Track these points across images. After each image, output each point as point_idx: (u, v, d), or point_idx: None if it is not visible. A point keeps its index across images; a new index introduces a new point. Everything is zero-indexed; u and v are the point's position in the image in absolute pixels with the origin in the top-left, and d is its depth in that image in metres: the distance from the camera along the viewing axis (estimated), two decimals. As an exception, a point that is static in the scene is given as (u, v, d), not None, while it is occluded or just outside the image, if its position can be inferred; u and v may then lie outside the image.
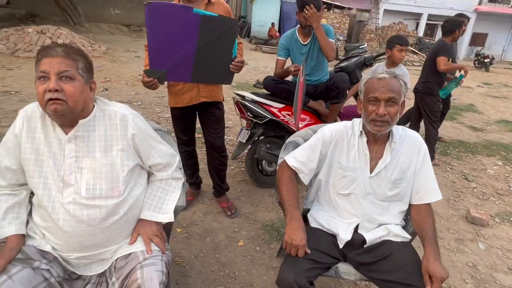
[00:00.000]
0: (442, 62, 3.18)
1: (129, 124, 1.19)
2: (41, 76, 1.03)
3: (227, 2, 16.28)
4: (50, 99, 1.01)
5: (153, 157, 1.28)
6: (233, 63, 1.80)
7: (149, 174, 1.36)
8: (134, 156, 1.23)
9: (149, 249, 1.16)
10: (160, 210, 1.28)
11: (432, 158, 3.79)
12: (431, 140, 3.45)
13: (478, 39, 21.90)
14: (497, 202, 2.97)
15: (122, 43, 10.41)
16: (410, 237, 1.42)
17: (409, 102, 6.89)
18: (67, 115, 1.07)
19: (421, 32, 21.70)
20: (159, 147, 1.30)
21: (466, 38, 22.22)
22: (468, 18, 3.75)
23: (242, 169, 3.06)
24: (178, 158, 1.40)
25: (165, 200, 1.31)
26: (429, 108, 3.43)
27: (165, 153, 1.32)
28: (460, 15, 3.57)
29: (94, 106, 1.17)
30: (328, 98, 2.67)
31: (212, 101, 2.06)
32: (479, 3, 21.43)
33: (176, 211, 1.36)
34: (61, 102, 1.03)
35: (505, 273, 2.09)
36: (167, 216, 1.29)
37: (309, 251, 1.27)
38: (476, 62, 15.29)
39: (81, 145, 1.12)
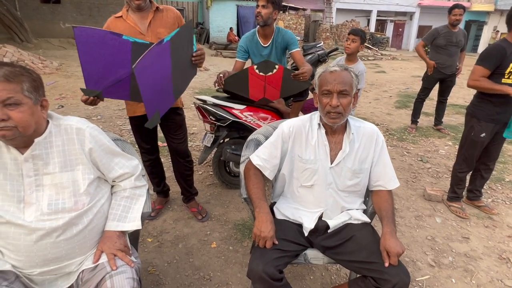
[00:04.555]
0: None
1: (86, 138, 1.18)
2: None
3: (182, 9, 16.07)
4: None
5: (114, 170, 1.28)
6: (193, 55, 1.82)
7: (112, 185, 1.35)
8: (94, 169, 1.22)
9: (114, 264, 1.12)
10: (125, 219, 1.28)
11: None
12: None
13: (423, 31, 23.40)
14: (449, 179, 3.21)
15: (75, 58, 9.95)
16: (369, 220, 1.52)
17: (367, 94, 7.19)
18: (18, 138, 1.04)
19: (372, 28, 22.83)
20: (118, 159, 1.30)
21: (413, 31, 23.72)
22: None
23: (210, 173, 3.08)
24: (140, 166, 1.40)
25: (130, 208, 1.30)
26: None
27: (126, 164, 1.32)
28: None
29: (48, 122, 1.15)
30: (289, 97, 2.76)
31: (171, 107, 2.05)
32: (422, -2, 22.98)
33: (143, 218, 1.36)
34: (11, 128, 1.00)
35: (460, 242, 2.28)
36: (134, 224, 1.28)
37: (277, 242, 1.32)
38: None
39: (40, 163, 1.10)
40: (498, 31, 18.96)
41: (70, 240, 1.12)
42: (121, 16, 1.86)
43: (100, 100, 1.69)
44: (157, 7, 1.89)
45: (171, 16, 1.93)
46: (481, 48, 22.16)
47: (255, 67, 2.15)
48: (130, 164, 1.34)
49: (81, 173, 1.17)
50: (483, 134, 2.37)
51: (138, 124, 2.09)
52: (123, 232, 1.26)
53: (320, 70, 1.43)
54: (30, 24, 11.28)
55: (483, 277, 1.96)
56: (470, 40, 21.71)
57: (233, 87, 2.45)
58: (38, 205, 1.09)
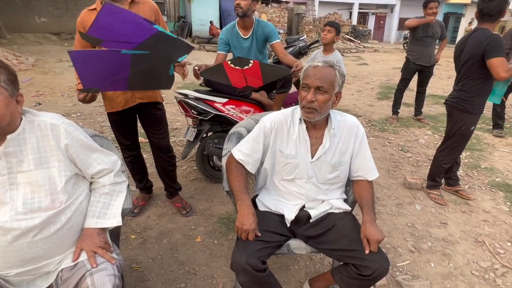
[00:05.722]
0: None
1: (61, 134, 1.15)
2: None
3: (163, 3, 15.70)
4: None
5: (92, 166, 1.25)
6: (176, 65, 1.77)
7: (91, 182, 1.33)
8: (71, 166, 1.19)
9: (94, 262, 1.10)
10: (105, 215, 1.25)
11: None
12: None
13: (404, 24, 23.86)
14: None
15: (52, 53, 9.65)
16: (350, 208, 1.55)
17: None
18: None
19: (354, 20, 23.03)
20: (97, 155, 1.27)
21: (394, 23, 24.06)
22: None
23: (194, 167, 3.06)
24: (119, 162, 1.37)
25: (109, 205, 1.28)
26: None
27: (104, 160, 1.29)
28: None
29: (22, 119, 1.11)
30: (272, 89, 2.76)
31: (150, 102, 2.02)
32: (402, -10, 23.30)
33: (123, 214, 1.34)
34: None
35: (438, 227, 2.36)
36: (114, 221, 1.26)
37: (259, 234, 1.33)
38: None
39: (14, 161, 1.06)
40: (471, 23, 19.46)
41: (48, 239, 1.09)
42: (95, 9, 1.81)
43: (97, 95, 1.68)
44: (133, 0, 1.85)
45: (147, 9, 1.89)
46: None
47: (229, 62, 2.14)
48: (109, 160, 1.31)
49: (57, 170, 1.14)
50: (473, 127, 2.44)
51: (117, 120, 2.05)
52: (103, 229, 1.24)
53: (307, 64, 1.43)
54: (3, 18, 10.81)
55: (460, 260, 2.04)
56: (449, 32, 22.24)
57: (213, 77, 2.44)
58: (12, 205, 1.05)
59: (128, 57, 1.51)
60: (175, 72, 1.78)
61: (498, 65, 2.16)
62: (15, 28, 11.51)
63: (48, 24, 13.02)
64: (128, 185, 1.40)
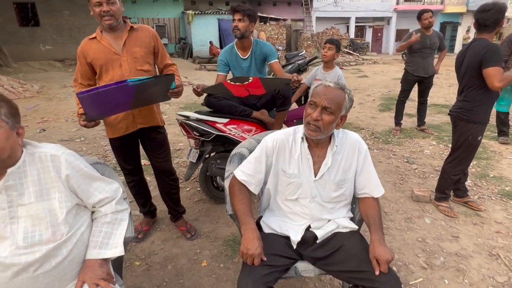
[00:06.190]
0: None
1: (62, 164, 1.15)
2: None
3: (164, 25, 16.16)
4: None
5: (94, 196, 1.24)
6: (170, 91, 1.81)
7: (92, 211, 1.31)
8: (72, 196, 1.18)
9: None
10: (107, 245, 1.23)
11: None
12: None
13: (401, 35, 24.07)
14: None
15: (57, 80, 9.86)
16: (357, 226, 1.52)
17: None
18: None
19: (352, 34, 23.37)
20: (98, 184, 1.26)
21: (391, 35, 24.36)
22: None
23: (198, 189, 3.03)
24: (121, 190, 1.36)
25: (111, 234, 1.26)
26: None
27: (106, 188, 1.28)
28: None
29: (22, 151, 1.11)
30: (272, 107, 2.77)
31: (151, 126, 2.03)
32: (397, 3, 23.68)
33: (126, 243, 1.31)
34: None
35: (450, 241, 2.29)
36: (116, 250, 1.24)
37: (265, 259, 1.29)
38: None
39: (14, 194, 1.06)
40: (469, 31, 19.69)
41: (49, 273, 1.07)
42: (95, 37, 1.84)
43: (100, 121, 1.74)
44: (132, 27, 1.88)
45: (146, 35, 1.92)
46: (458, 47, 22.93)
47: (229, 80, 2.17)
48: (110, 188, 1.30)
49: (58, 201, 1.13)
50: (480, 137, 2.41)
51: (119, 145, 2.05)
52: (105, 260, 1.21)
53: (318, 82, 1.43)
54: (9, 48, 11.14)
55: (475, 275, 1.96)
56: (446, 41, 22.45)
57: (214, 92, 2.48)
58: (13, 239, 1.04)
59: (134, 87, 1.53)
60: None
61: (492, 74, 2.15)
62: (21, 57, 11.84)
63: (52, 51, 13.39)
64: (130, 213, 1.38)
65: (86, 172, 1.23)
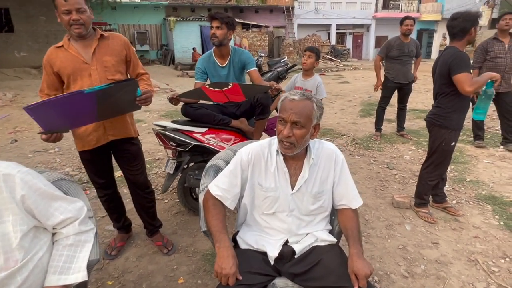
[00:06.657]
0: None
1: (16, 184, 1.05)
2: None
3: (145, 32, 15.92)
4: None
5: (54, 216, 1.15)
6: (137, 99, 1.71)
7: (53, 233, 1.21)
8: (28, 218, 1.08)
9: None
10: (69, 270, 1.14)
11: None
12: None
13: (381, 42, 24.73)
14: (415, 184, 3.28)
15: (32, 87, 9.48)
16: (336, 239, 1.48)
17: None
18: None
19: (333, 40, 23.81)
20: (59, 203, 1.17)
21: (371, 41, 24.97)
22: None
23: (177, 200, 2.94)
24: (85, 209, 1.27)
25: (74, 257, 1.17)
26: None
27: (68, 208, 1.19)
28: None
29: None
30: (251, 116, 2.72)
31: (124, 138, 1.94)
32: (376, 11, 24.34)
33: (90, 266, 1.22)
34: None
35: (430, 248, 2.29)
36: (79, 275, 1.15)
37: (240, 277, 1.23)
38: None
39: None
40: (445, 37, 20.39)
41: None
42: (62, 46, 1.75)
43: (62, 135, 1.61)
44: (102, 35, 1.80)
45: (118, 44, 1.85)
46: (434, 54, 23.70)
47: (207, 85, 2.12)
48: (73, 208, 1.21)
49: (11, 225, 1.03)
50: (453, 143, 2.44)
51: (89, 159, 1.95)
52: (66, 287, 1.12)
53: (285, 93, 1.38)
54: (-19, 55, 10.67)
55: (455, 283, 1.96)
56: (423, 48, 23.24)
57: (192, 97, 2.43)
58: None
59: (94, 95, 1.45)
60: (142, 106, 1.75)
61: (462, 80, 2.20)
62: (-6, 64, 11.36)
63: (28, 58, 12.94)
64: (96, 233, 1.29)
65: (45, 191, 1.14)
